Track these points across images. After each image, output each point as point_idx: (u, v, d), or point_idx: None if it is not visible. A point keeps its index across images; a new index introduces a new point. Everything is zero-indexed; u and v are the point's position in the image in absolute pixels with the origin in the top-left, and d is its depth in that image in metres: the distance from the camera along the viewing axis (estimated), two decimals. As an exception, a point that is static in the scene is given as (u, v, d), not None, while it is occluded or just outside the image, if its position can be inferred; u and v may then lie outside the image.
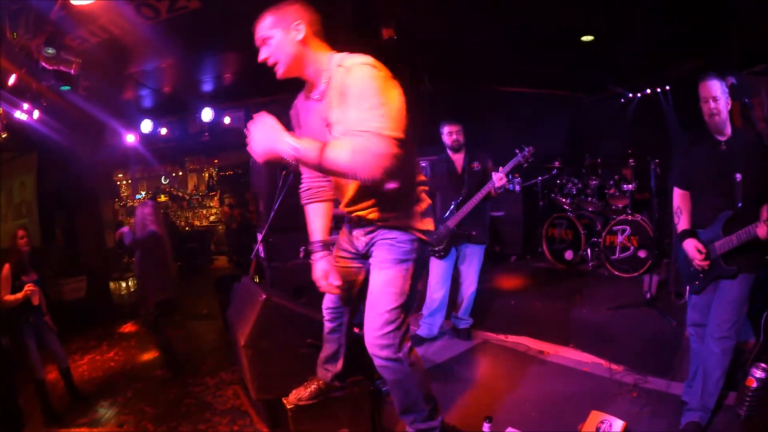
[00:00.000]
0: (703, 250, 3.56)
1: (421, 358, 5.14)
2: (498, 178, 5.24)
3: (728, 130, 3.56)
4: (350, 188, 2.92)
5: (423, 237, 2.94)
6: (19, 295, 5.25)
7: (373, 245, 3.01)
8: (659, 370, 4.57)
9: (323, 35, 2.76)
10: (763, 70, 5.92)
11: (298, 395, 3.63)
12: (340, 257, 3.26)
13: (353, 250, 3.17)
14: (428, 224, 2.99)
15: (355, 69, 2.49)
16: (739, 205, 3.47)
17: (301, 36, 2.65)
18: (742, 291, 3.57)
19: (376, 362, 2.97)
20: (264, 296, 3.92)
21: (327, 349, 3.58)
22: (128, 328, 7.13)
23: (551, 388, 4.70)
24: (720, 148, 3.59)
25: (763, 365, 2.88)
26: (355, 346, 3.33)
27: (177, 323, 8.37)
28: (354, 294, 3.30)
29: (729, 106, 3.54)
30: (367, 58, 2.54)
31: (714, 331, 3.56)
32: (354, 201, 2.94)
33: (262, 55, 2.71)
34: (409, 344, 2.99)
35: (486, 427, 3.48)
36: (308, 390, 3.64)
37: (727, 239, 3.47)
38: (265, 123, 2.42)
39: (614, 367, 4.90)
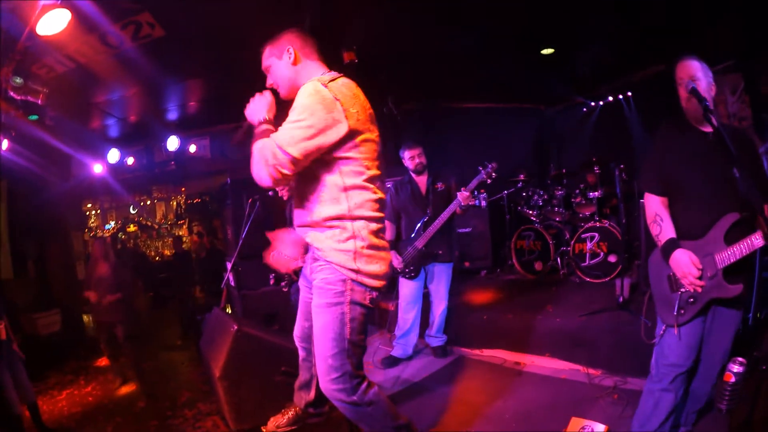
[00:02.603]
0: (700, 265, 2.86)
1: (397, 378, 5.10)
2: (463, 198, 5.22)
3: (713, 120, 2.82)
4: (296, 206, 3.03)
5: (358, 279, 2.82)
6: None
7: (313, 279, 2.96)
8: (638, 370, 4.40)
9: (319, 56, 3.04)
10: (723, 69, 6.02)
11: (276, 423, 3.55)
12: (304, 286, 3.22)
13: (309, 279, 3.07)
14: (371, 265, 2.85)
15: (301, 89, 2.72)
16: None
17: (292, 59, 2.93)
18: (741, 313, 3.03)
19: (335, 404, 2.96)
20: (235, 327, 3.91)
21: (301, 376, 3.52)
22: (104, 361, 7.02)
23: (530, 398, 4.64)
24: (707, 138, 2.96)
25: (740, 359, 2.76)
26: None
27: (151, 355, 8.19)
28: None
29: (713, 93, 3.00)
30: (323, 79, 2.75)
31: (711, 372, 3.09)
32: (297, 217, 3.00)
33: (267, 82, 3.01)
34: (364, 385, 2.94)
35: None
36: (286, 417, 3.56)
37: (734, 248, 2.77)
38: (257, 100, 2.87)
39: (592, 371, 4.84)
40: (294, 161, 2.58)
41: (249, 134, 2.85)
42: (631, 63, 7.90)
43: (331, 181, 2.77)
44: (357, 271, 2.80)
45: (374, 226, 2.88)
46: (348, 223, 2.80)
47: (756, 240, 2.67)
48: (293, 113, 2.65)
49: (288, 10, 4.91)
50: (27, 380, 5.58)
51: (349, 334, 2.83)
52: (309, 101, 2.62)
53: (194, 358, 7.30)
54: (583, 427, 3.52)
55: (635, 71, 8.21)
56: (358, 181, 2.79)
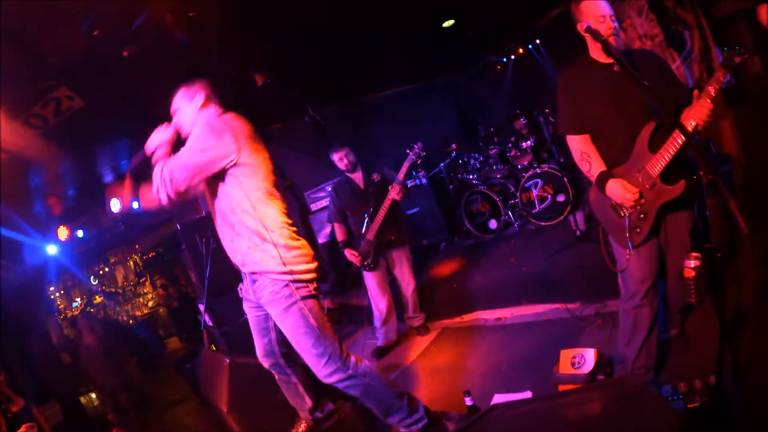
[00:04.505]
0: (634, 188, 2.96)
1: (390, 365, 5.20)
2: (395, 193, 5.37)
3: (614, 53, 2.76)
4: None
5: (295, 278, 3.16)
6: None
7: (260, 299, 3.26)
8: (613, 293, 4.50)
9: (218, 101, 3.35)
10: None
11: None
12: (250, 308, 3.49)
13: (253, 299, 3.38)
14: (299, 264, 3.20)
15: (198, 123, 3.18)
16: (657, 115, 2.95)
17: (200, 105, 3.25)
18: (692, 213, 3.19)
19: (339, 387, 3.29)
20: (227, 360, 4.07)
21: (289, 393, 3.71)
22: None
23: (520, 346, 4.79)
24: (612, 71, 3.02)
25: (694, 254, 2.90)
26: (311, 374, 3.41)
27: (154, 418, 8.07)
28: (277, 340, 3.51)
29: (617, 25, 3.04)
30: (215, 114, 3.24)
31: (678, 279, 3.11)
32: (227, 250, 3.33)
33: (173, 122, 3.31)
34: (353, 358, 3.31)
35: (468, 400, 3.62)
36: (300, 429, 3.77)
37: (662, 153, 2.88)
38: (158, 131, 3.25)
39: (571, 306, 5.02)
40: (189, 180, 3.00)
41: (144, 163, 3.30)
42: (532, 13, 8.06)
43: (241, 201, 3.13)
44: (291, 273, 3.15)
45: (288, 231, 3.23)
46: (262, 236, 3.14)
47: (678, 138, 2.79)
48: (189, 141, 3.07)
49: (194, 56, 5.02)
50: None
51: (315, 321, 3.18)
52: (203, 129, 3.04)
53: (196, 407, 7.21)
54: (574, 356, 3.63)
55: (537, 19, 8.38)
56: (261, 195, 3.16)
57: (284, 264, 3.12)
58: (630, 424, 1.96)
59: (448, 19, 7.29)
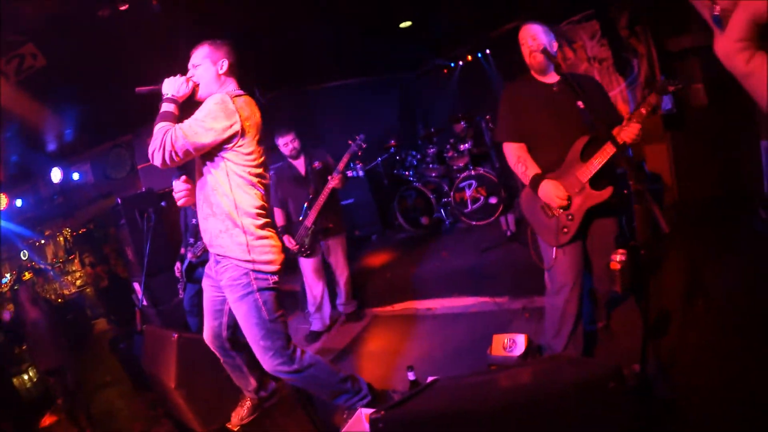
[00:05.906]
0: (565, 191, 3.26)
1: (323, 349, 5.36)
2: (336, 181, 5.51)
3: (562, 71, 3.18)
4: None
5: (255, 268, 3.18)
6: None
7: (221, 281, 3.28)
8: (540, 289, 4.50)
9: (237, 75, 3.33)
10: (581, 19, 6.59)
11: (239, 416, 3.83)
12: (210, 286, 3.49)
13: (215, 278, 3.37)
14: (263, 254, 3.21)
15: (212, 96, 3.09)
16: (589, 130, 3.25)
17: (223, 71, 3.22)
18: (618, 220, 3.52)
19: (283, 378, 3.41)
20: (176, 335, 4.03)
21: (234, 374, 3.77)
22: (48, 420, 6.69)
23: (450, 334, 5.06)
24: (552, 88, 3.38)
25: (620, 251, 3.21)
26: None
27: (86, 402, 7.88)
28: (226, 325, 3.53)
29: (555, 48, 3.39)
30: (231, 93, 3.12)
31: (605, 272, 3.39)
32: (200, 227, 3.32)
33: (188, 75, 3.22)
34: (298, 352, 3.36)
35: (411, 375, 3.79)
36: (245, 408, 3.85)
37: (592, 161, 3.20)
38: (179, 80, 3.14)
39: (499, 300, 5.32)
40: (187, 153, 2.95)
41: (153, 96, 3.18)
42: (487, 23, 8.29)
43: (222, 184, 3.13)
44: (252, 262, 3.17)
45: (260, 221, 3.23)
46: (237, 219, 3.15)
47: (609, 149, 3.10)
48: (200, 113, 3.01)
49: (161, 38, 4.95)
50: None
51: (267, 315, 3.21)
52: (215, 108, 2.99)
53: (128, 390, 7.09)
54: (505, 341, 3.92)
55: (491, 30, 8.63)
56: (242, 182, 3.14)
57: (249, 252, 3.15)
58: (570, 383, 2.12)
59: (404, 20, 7.44)
